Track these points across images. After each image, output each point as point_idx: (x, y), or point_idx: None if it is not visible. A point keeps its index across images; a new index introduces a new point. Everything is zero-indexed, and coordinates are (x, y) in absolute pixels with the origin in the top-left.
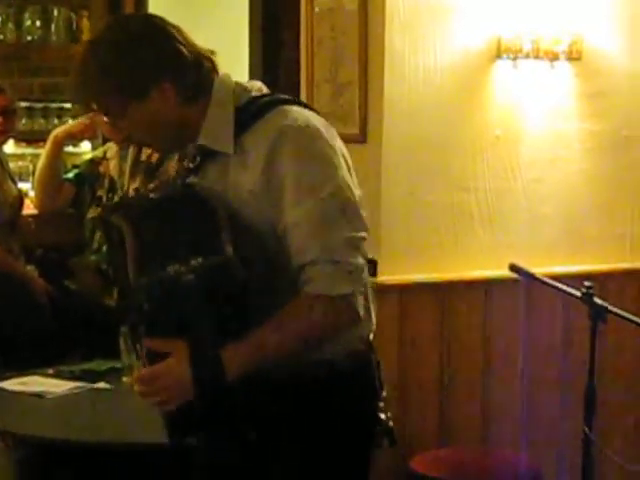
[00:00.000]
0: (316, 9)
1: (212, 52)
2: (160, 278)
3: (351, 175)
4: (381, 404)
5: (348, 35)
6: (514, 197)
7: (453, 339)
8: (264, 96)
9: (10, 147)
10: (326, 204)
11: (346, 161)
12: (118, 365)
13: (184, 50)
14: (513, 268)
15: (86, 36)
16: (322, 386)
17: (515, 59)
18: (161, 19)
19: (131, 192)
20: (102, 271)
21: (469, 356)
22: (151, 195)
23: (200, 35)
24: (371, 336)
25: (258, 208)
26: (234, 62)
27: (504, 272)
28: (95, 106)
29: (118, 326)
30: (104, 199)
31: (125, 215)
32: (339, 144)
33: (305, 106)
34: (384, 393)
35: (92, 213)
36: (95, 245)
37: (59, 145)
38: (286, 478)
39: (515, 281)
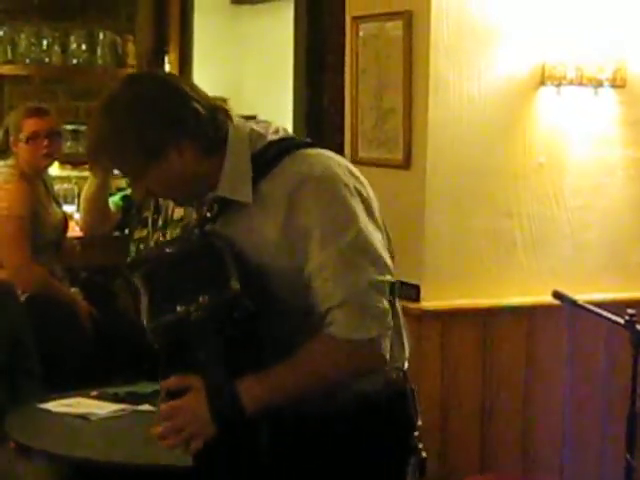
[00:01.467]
0: (361, 34)
1: (224, 100)
2: (171, 320)
3: (373, 216)
4: (416, 433)
5: (393, 61)
6: (557, 224)
7: (495, 365)
8: (281, 140)
9: (55, 170)
10: (349, 248)
11: (368, 202)
12: None
13: (199, 107)
14: (556, 295)
15: (132, 60)
16: (356, 417)
17: (559, 86)
18: (174, 77)
19: (175, 214)
20: None
21: (511, 382)
22: (167, 250)
23: (246, 59)
24: (405, 365)
25: (283, 255)
26: (278, 86)
27: (547, 299)
28: (111, 167)
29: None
30: (150, 221)
31: (142, 275)
32: (357, 184)
33: (323, 147)
34: (419, 422)
35: (138, 235)
36: None
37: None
38: None
39: (558, 308)
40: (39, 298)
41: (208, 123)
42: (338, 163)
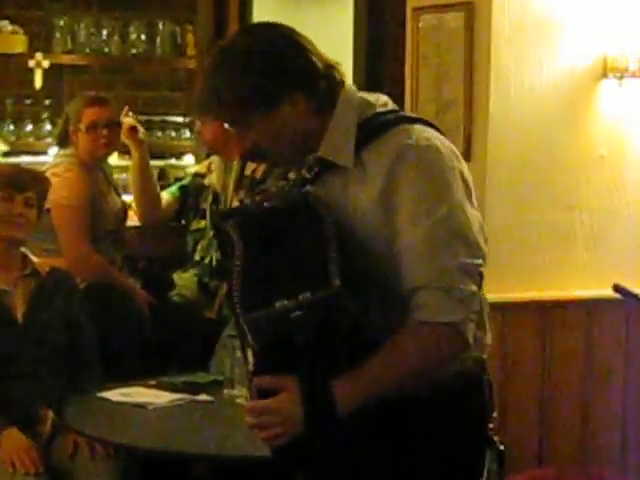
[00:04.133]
0: (421, 25)
1: (338, 63)
2: (269, 316)
3: (471, 198)
4: (491, 425)
5: (453, 52)
6: (618, 217)
7: (554, 358)
8: (389, 112)
9: (114, 159)
10: (440, 227)
11: (467, 184)
12: (219, 378)
13: (316, 60)
14: (616, 288)
15: (191, 50)
16: (433, 406)
17: (621, 78)
18: (291, 29)
19: (234, 204)
20: (203, 284)
21: (570, 375)
22: (265, 204)
23: None
24: (484, 355)
25: (374, 224)
26: None
27: (607, 292)
28: (222, 117)
29: (219, 339)
30: (207, 212)
31: (237, 224)
32: (460, 165)
33: (430, 125)
34: (495, 414)
35: (195, 226)
36: (197, 258)
37: (142, 155)
38: None
39: (618, 301)
40: (98, 287)
41: (323, 79)
42: (443, 141)
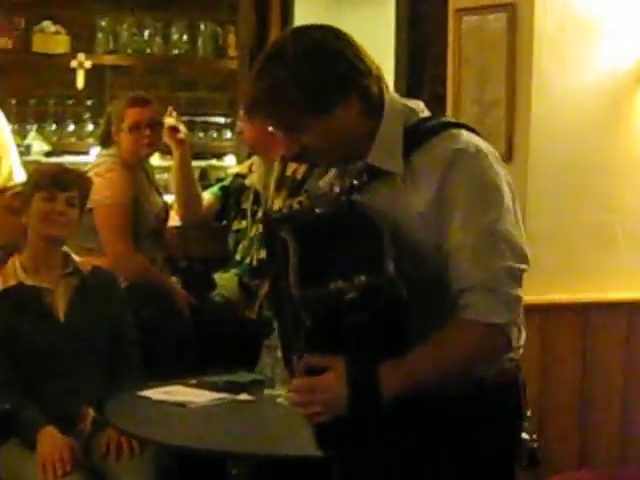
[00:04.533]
0: (463, 27)
1: (379, 68)
2: (323, 295)
3: (515, 204)
4: (525, 424)
5: (495, 53)
6: None
7: (594, 360)
8: (432, 118)
9: (156, 159)
10: (491, 231)
11: (510, 189)
12: (260, 377)
13: (367, 62)
14: None
15: (232, 51)
16: (470, 403)
17: None
18: (340, 30)
19: (275, 206)
20: (244, 284)
21: (610, 377)
22: (317, 210)
23: None
24: (518, 355)
25: (425, 229)
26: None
27: None
28: (274, 122)
29: (260, 339)
30: (248, 212)
31: (291, 228)
32: (503, 171)
33: (472, 130)
34: (528, 413)
35: (236, 226)
36: (238, 258)
37: (184, 155)
38: None
39: None
40: (139, 286)
41: (374, 82)
42: (487, 146)
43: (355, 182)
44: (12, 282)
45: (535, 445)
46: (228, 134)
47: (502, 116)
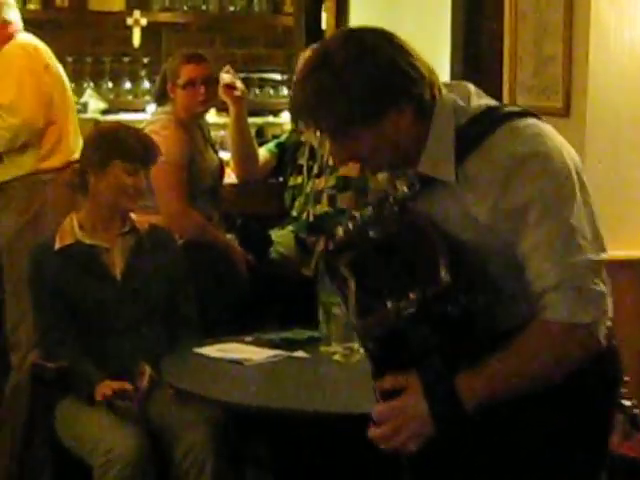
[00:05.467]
0: None
1: (432, 70)
2: (382, 317)
3: (586, 189)
4: (624, 390)
5: (552, 7)
6: None
7: None
8: (484, 114)
9: (212, 116)
10: (566, 227)
11: (580, 176)
12: (317, 334)
13: (420, 66)
14: None
15: (288, 7)
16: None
17: None
18: (396, 36)
19: (330, 162)
20: (300, 241)
21: None
22: (371, 233)
23: (403, 5)
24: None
25: (486, 236)
26: (436, 32)
27: None
28: (323, 129)
29: (316, 296)
30: (304, 168)
31: (347, 262)
32: (571, 157)
33: (525, 115)
34: (626, 378)
35: (292, 182)
36: (294, 214)
37: (240, 112)
38: (525, 461)
39: None
40: (196, 244)
41: (427, 86)
42: (549, 135)
43: (407, 190)
44: (70, 240)
45: (637, 411)
46: (284, 91)
47: (559, 71)
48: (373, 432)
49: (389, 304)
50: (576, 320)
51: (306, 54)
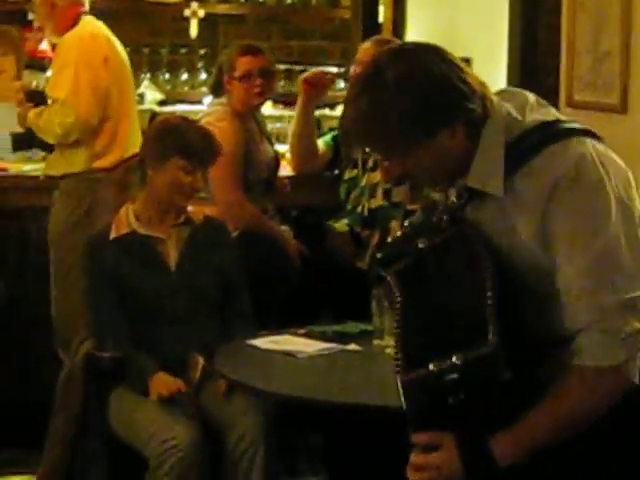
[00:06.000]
0: None
1: (483, 83)
2: (422, 378)
3: (630, 220)
4: None
5: (611, 3)
6: None
7: None
8: (538, 129)
9: (268, 108)
10: (598, 263)
11: (625, 203)
12: (370, 328)
13: (471, 82)
14: None
15: (345, 1)
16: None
17: None
18: (447, 52)
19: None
20: (355, 234)
21: None
22: (420, 245)
23: (460, 1)
24: None
25: (530, 256)
26: (493, 27)
27: None
28: (374, 148)
29: (370, 290)
30: (359, 161)
31: (394, 272)
32: (616, 177)
33: (581, 132)
34: None
35: (348, 175)
36: (349, 207)
37: (309, 105)
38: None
39: None
40: (250, 235)
41: (479, 102)
42: (599, 158)
43: (456, 201)
44: (125, 230)
45: None
46: (341, 84)
47: (617, 66)
48: (408, 475)
49: (432, 365)
50: (606, 363)
51: (365, 45)
